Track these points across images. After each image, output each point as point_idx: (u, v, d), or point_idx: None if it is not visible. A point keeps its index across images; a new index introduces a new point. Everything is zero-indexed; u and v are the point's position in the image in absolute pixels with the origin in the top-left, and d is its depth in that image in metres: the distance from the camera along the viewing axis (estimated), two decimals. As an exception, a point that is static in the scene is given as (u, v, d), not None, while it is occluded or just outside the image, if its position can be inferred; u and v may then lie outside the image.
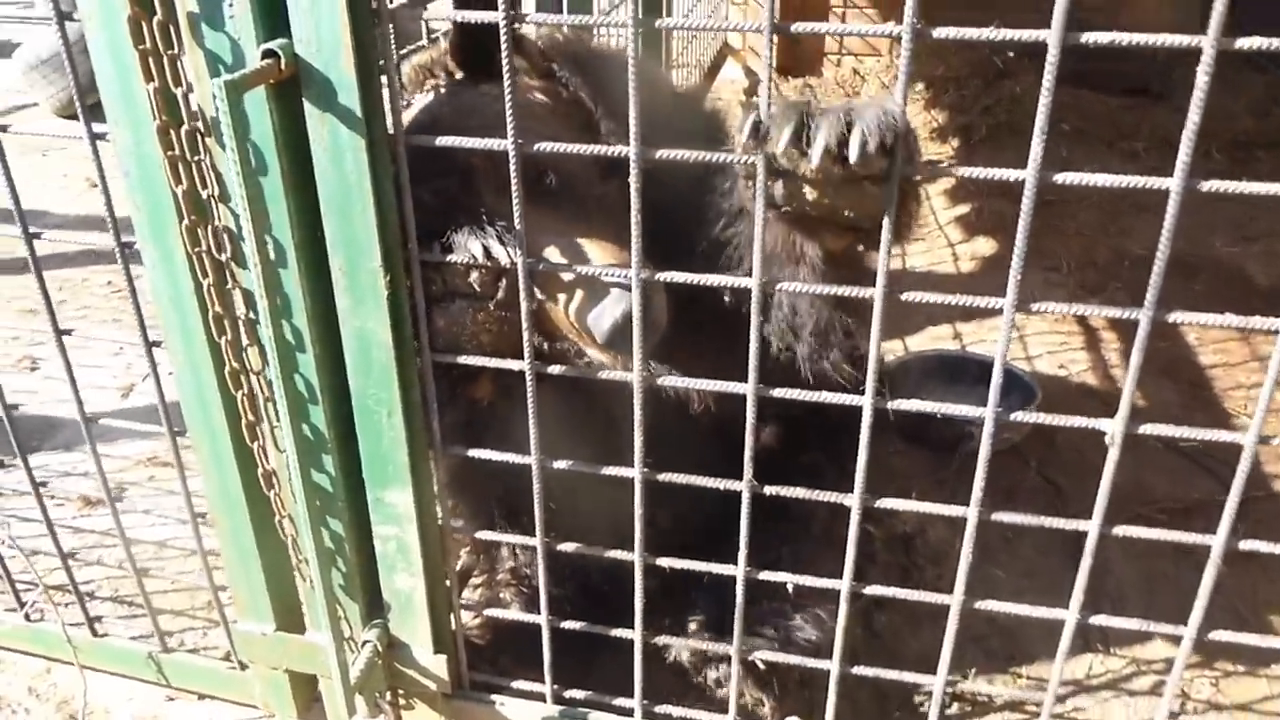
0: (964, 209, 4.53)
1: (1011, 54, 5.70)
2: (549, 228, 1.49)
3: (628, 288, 1.42)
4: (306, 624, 1.73)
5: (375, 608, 1.69)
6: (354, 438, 1.52)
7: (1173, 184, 1.10)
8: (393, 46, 1.25)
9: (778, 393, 1.38)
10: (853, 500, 1.44)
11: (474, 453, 1.55)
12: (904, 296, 1.30)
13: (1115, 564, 2.48)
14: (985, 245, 4.19)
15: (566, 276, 1.47)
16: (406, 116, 1.75)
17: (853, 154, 1.13)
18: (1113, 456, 1.36)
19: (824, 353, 1.59)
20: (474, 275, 1.44)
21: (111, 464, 2.85)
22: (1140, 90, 5.59)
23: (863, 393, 1.47)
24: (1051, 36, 1.10)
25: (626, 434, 1.53)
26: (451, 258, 1.40)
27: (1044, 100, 1.10)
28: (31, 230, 1.54)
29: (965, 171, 1.20)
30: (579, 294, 1.47)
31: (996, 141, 5.22)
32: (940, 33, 1.14)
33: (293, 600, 1.74)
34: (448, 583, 1.68)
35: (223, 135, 1.16)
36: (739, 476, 1.45)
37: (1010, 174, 1.20)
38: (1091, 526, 1.39)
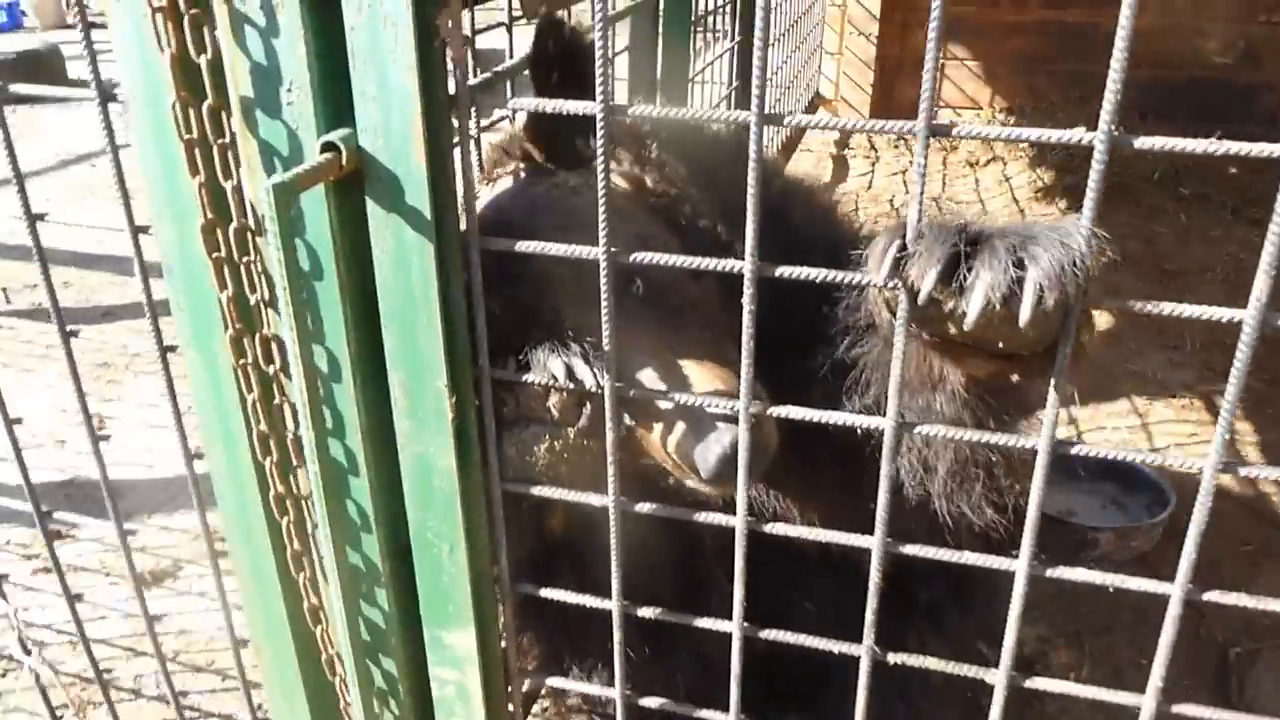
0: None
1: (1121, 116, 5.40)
2: (639, 344, 1.29)
3: (734, 419, 1.21)
4: (354, 767, 1.54)
5: (429, 755, 1.49)
6: (410, 570, 1.33)
7: None
8: (471, 137, 1.07)
9: (910, 550, 1.15)
10: (997, 677, 1.20)
11: (547, 593, 1.35)
12: (1073, 451, 1.07)
13: (1272, 699, 2.16)
14: (1102, 319, 3.88)
15: (664, 404, 1.26)
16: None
17: (1023, 315, 0.91)
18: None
19: (961, 492, 1.36)
20: (553, 398, 1.24)
21: (170, 538, 2.73)
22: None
23: (1008, 544, 1.23)
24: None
25: (718, 556, 1.32)
26: (529, 378, 1.21)
27: (1274, 231, 0.86)
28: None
29: (1168, 309, 0.96)
30: (679, 423, 1.26)
31: (1109, 203, 4.86)
32: (1143, 143, 0.91)
33: (341, 739, 1.55)
34: (512, 730, 1.47)
35: (265, 243, 0.98)
36: (850, 609, 1.22)
37: (1224, 313, 0.96)
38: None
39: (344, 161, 1.04)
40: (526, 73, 1.40)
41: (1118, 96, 0.85)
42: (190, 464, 1.41)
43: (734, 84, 3.64)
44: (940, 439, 1.34)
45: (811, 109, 6.33)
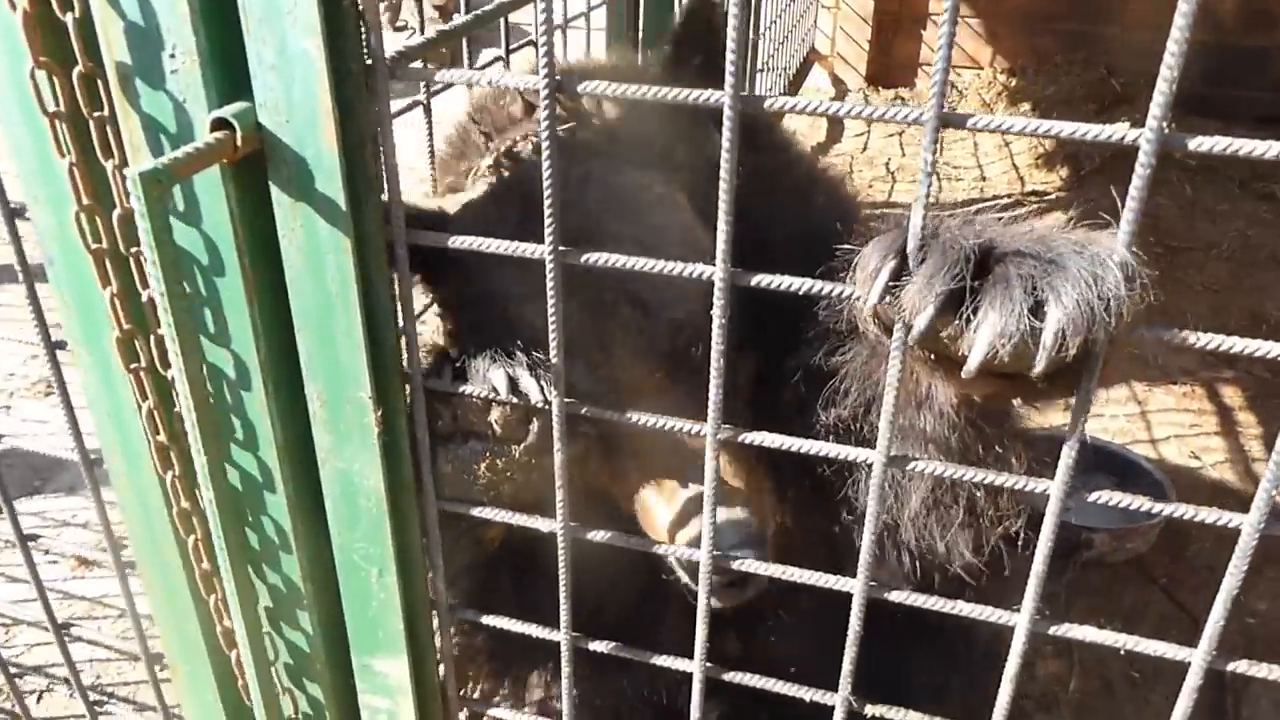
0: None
1: (1124, 78, 5.19)
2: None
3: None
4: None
5: (363, 786, 1.36)
6: (338, 592, 1.19)
7: None
8: (390, 115, 0.90)
9: (895, 597, 1.01)
10: (986, 736, 1.07)
11: (490, 620, 1.21)
12: (1091, 499, 0.93)
13: (1268, 718, 2.05)
14: None
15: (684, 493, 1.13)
16: (461, 198, 1.41)
17: (1038, 367, 0.77)
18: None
19: (936, 526, 1.21)
20: (495, 413, 1.09)
21: (116, 513, 2.58)
22: (1272, 120, 5.04)
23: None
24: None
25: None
26: (466, 389, 1.06)
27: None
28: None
29: (1214, 343, 0.81)
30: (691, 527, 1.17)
31: (1109, 173, 4.71)
32: (1196, 144, 0.75)
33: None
34: (453, 762, 1.34)
35: (138, 237, 0.82)
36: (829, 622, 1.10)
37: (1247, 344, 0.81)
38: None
39: (239, 142, 0.87)
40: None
41: (1172, 91, 0.70)
42: (89, 469, 1.25)
43: None
44: (907, 482, 1.20)
45: (806, 65, 6.10)
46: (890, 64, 6.30)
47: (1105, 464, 2.66)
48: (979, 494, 1.19)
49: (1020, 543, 1.29)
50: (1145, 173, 0.75)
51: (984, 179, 4.95)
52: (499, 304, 1.29)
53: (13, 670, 1.64)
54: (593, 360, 1.21)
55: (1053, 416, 3.12)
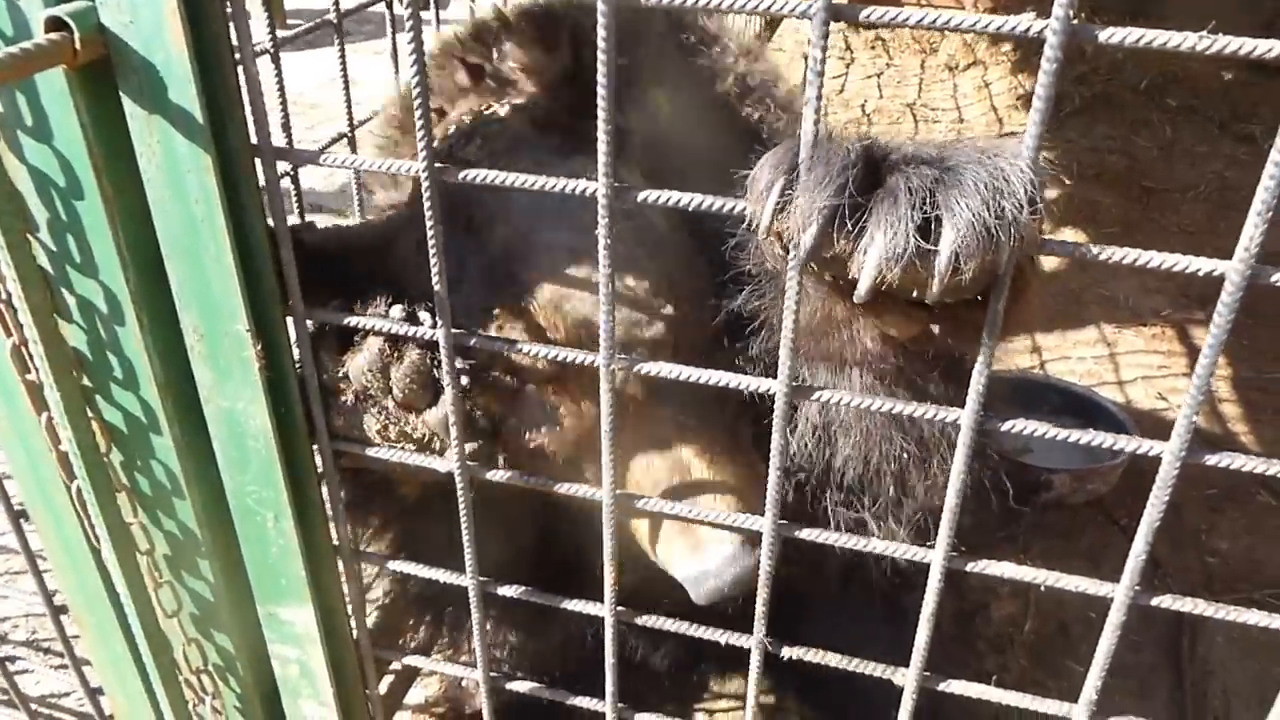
0: (1051, 194, 3.97)
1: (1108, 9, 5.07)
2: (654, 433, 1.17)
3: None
4: (190, 753, 1.37)
5: (281, 736, 1.32)
6: (237, 539, 1.14)
7: None
8: (245, 14, 0.83)
9: (805, 534, 0.96)
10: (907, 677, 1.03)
11: (396, 566, 1.16)
12: (1005, 427, 0.87)
13: (1223, 664, 2.03)
14: (1073, 238, 3.66)
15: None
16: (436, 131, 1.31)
17: (933, 291, 0.71)
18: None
19: (866, 495, 1.16)
20: (396, 373, 1.02)
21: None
22: (1264, 63, 4.94)
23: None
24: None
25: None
26: (354, 320, 0.99)
27: (1270, 175, 0.66)
28: None
29: (1119, 255, 0.75)
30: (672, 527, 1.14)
31: (1090, 114, 4.62)
32: (1107, 35, 0.68)
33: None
34: (369, 710, 1.30)
35: (-34, 154, 0.75)
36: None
37: (1205, 263, 0.75)
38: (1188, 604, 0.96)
39: (78, 45, 0.80)
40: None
41: None
42: (-29, 413, 1.19)
43: None
44: (842, 421, 1.14)
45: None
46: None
47: (1069, 406, 2.62)
48: (909, 457, 1.12)
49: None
50: (1051, 68, 0.68)
51: (962, 120, 4.86)
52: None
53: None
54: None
55: (1018, 359, 3.05)
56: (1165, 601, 0.94)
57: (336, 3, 1.41)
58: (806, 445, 1.10)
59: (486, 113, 1.28)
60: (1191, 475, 2.52)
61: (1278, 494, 2.43)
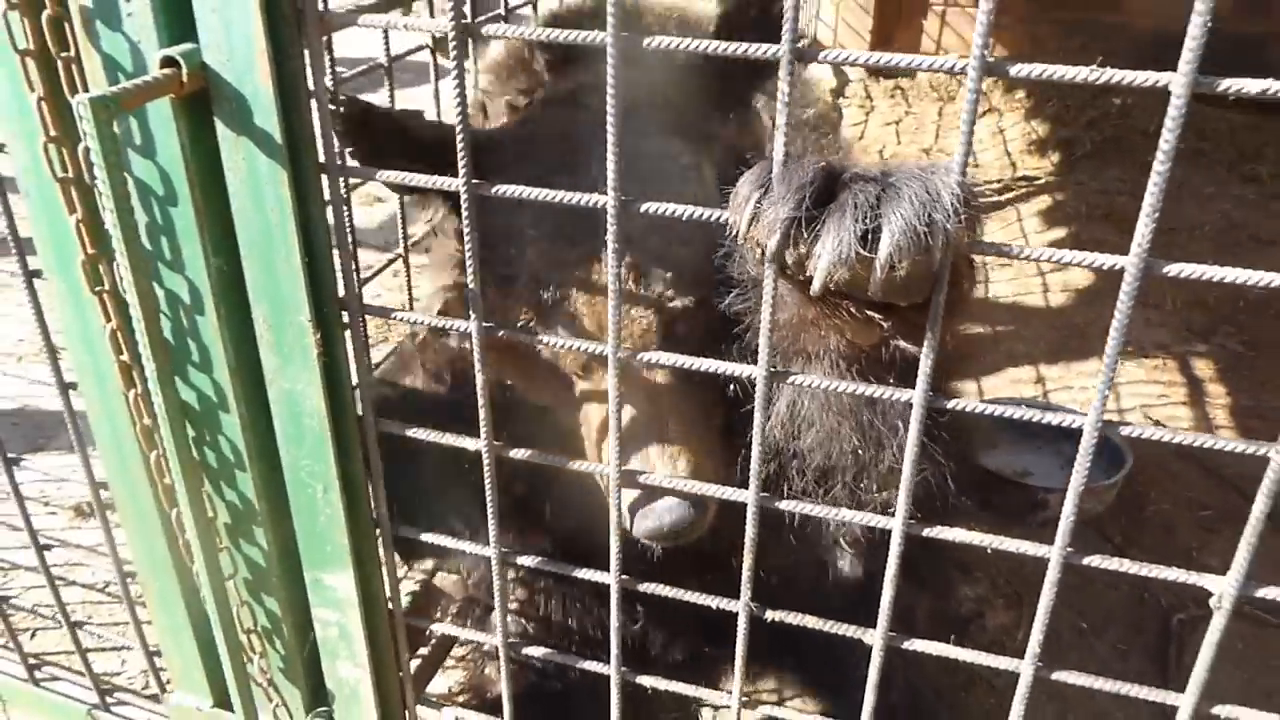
0: (1059, 233, 4.13)
1: (1120, 65, 5.24)
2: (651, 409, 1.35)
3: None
4: (236, 708, 1.52)
5: (320, 696, 1.47)
6: (289, 510, 1.29)
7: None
8: (326, 59, 1.00)
9: (784, 505, 1.11)
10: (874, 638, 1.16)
11: (424, 536, 1.31)
12: (950, 405, 1.01)
13: (1212, 673, 2.12)
14: (1080, 276, 3.79)
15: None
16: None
17: (872, 286, 0.86)
18: (1218, 625, 1.05)
19: (821, 490, 1.30)
20: None
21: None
22: (1268, 106, 5.07)
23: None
24: (1177, 81, 0.80)
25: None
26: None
27: (1157, 172, 0.80)
28: None
29: (1044, 254, 0.90)
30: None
31: (1102, 158, 4.77)
32: (1020, 70, 0.84)
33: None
34: (400, 674, 1.44)
35: (93, 164, 0.92)
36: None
37: (1107, 259, 0.90)
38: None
39: (184, 78, 0.98)
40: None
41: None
42: (66, 396, 1.36)
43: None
44: (806, 416, 1.26)
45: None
46: (886, 29, 6.35)
47: (1070, 432, 2.73)
48: (864, 456, 1.26)
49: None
50: (973, 98, 0.84)
51: (977, 165, 5.01)
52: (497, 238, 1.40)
53: (8, 610, 1.74)
54: (575, 294, 1.34)
55: (1023, 389, 3.16)
56: (1095, 561, 1.07)
57: (387, 49, 1.59)
58: (776, 436, 1.25)
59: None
60: (1187, 496, 2.63)
61: (1271, 515, 2.53)
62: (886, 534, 1.09)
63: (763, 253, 0.95)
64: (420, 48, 1.72)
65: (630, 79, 1.37)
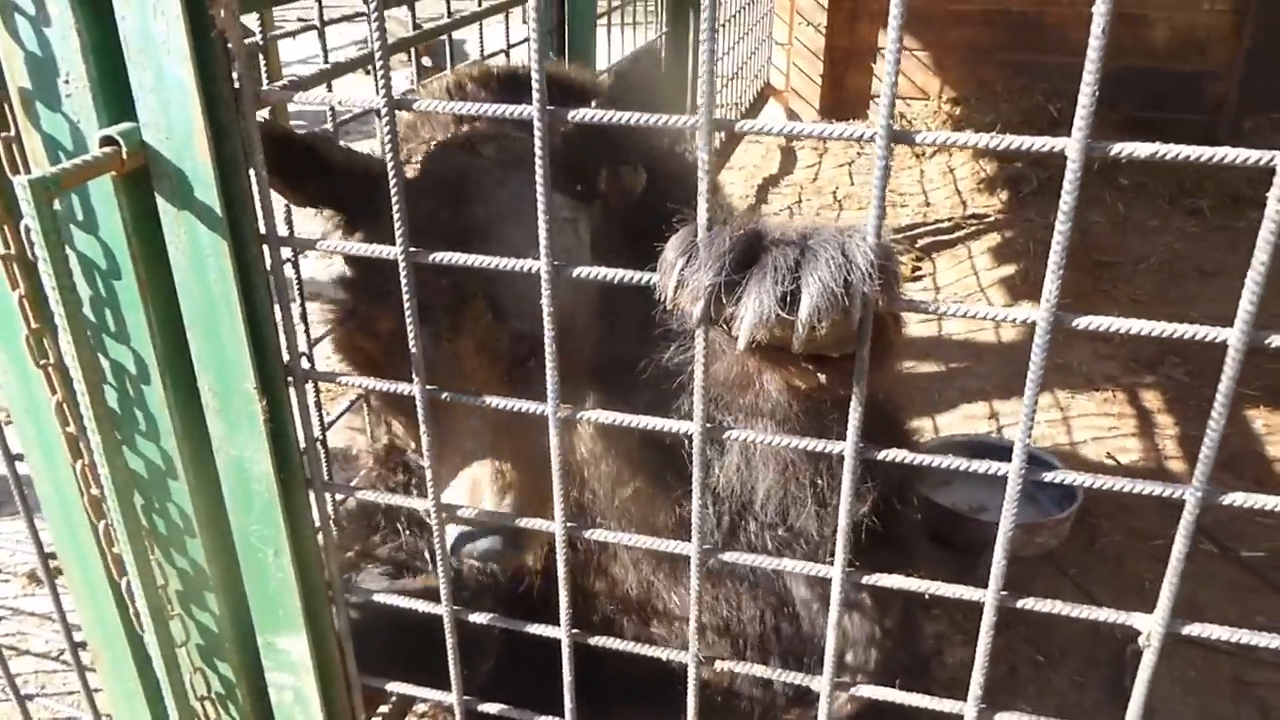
0: (1009, 270, 4.23)
1: (1061, 103, 5.39)
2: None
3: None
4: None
5: (276, 761, 1.46)
6: (240, 574, 1.30)
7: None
8: (256, 135, 1.03)
9: (727, 557, 1.13)
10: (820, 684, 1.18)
11: (381, 598, 1.31)
12: (880, 457, 1.04)
13: (1165, 701, 2.16)
14: (1029, 310, 3.86)
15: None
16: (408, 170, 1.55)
17: (796, 344, 0.89)
18: (1149, 662, 1.08)
19: (787, 526, 1.33)
20: None
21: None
22: (1206, 142, 5.23)
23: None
24: (1071, 146, 0.84)
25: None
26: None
27: (1060, 231, 0.85)
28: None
29: (964, 310, 0.94)
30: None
31: (1049, 195, 4.89)
32: (927, 138, 0.89)
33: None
34: (357, 736, 1.44)
35: (34, 242, 0.94)
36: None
37: (1020, 314, 0.94)
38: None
39: (125, 157, 1.00)
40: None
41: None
42: (12, 466, 1.36)
43: (662, 30, 3.59)
44: (762, 455, 1.30)
45: (761, 99, 6.30)
46: (843, 96, 6.50)
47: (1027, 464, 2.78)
48: (826, 490, 1.29)
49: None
50: (882, 164, 0.88)
51: (929, 204, 5.13)
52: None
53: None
54: (440, 333, 1.36)
55: (977, 425, 3.22)
56: (1029, 603, 1.10)
57: (333, 112, 1.63)
58: (732, 479, 1.28)
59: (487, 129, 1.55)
60: (1138, 528, 2.68)
61: (1219, 542, 2.59)
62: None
63: (690, 318, 0.99)
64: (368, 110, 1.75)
65: (520, 135, 1.43)
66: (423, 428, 1.13)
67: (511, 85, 1.67)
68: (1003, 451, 2.89)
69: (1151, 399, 3.29)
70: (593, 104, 1.58)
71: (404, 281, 1.04)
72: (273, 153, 1.29)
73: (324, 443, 1.33)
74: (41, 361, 1.14)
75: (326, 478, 1.25)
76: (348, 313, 1.50)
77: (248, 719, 1.41)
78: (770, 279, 0.89)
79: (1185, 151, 0.81)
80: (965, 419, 3.21)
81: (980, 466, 1.03)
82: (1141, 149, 0.84)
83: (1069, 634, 2.31)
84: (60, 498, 1.30)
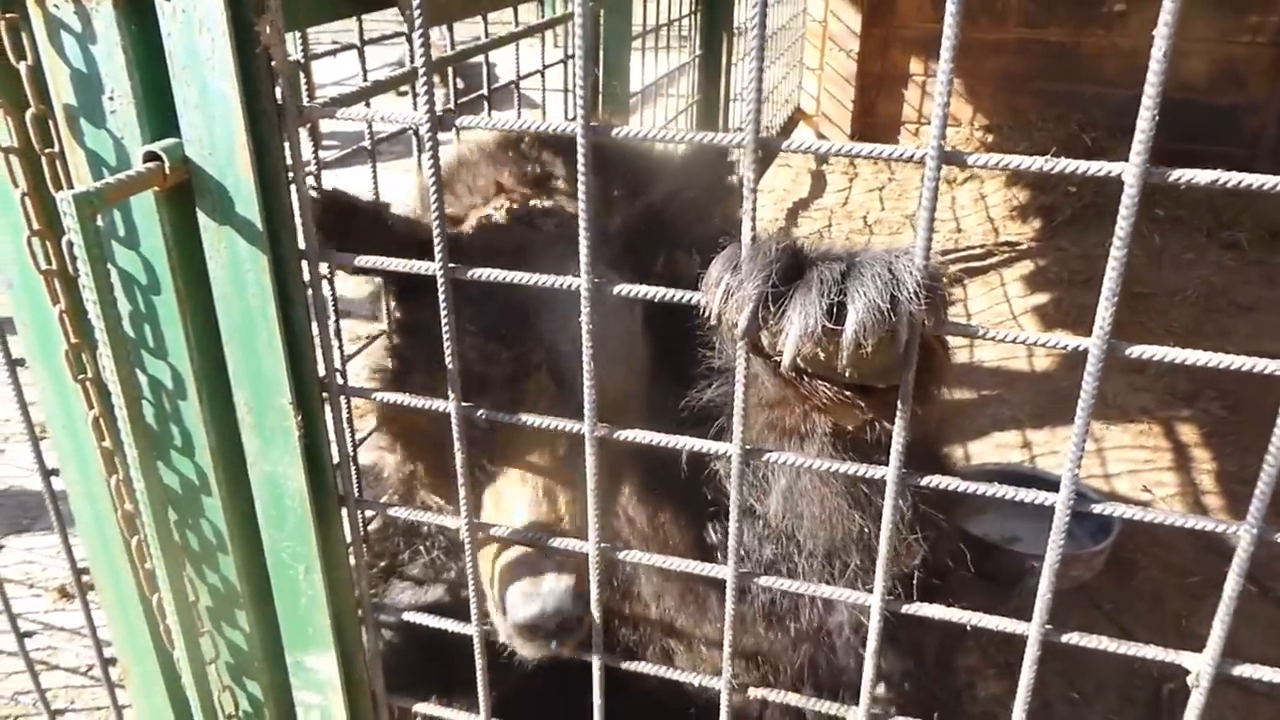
0: (1043, 298, 4.18)
1: (1096, 133, 5.36)
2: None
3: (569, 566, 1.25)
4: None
5: (301, 782, 1.44)
6: (271, 592, 1.29)
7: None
8: (302, 151, 1.03)
9: (763, 581, 1.11)
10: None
11: (411, 617, 1.30)
12: (924, 482, 1.02)
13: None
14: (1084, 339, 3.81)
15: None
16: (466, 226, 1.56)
17: (843, 357, 0.87)
18: (1197, 703, 1.04)
19: (831, 569, 1.30)
20: None
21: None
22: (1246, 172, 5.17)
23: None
24: (1129, 171, 0.83)
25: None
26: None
27: (1115, 258, 0.83)
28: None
29: (1011, 336, 0.92)
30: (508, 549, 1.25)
31: (1082, 224, 4.85)
32: (979, 160, 0.87)
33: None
34: (384, 759, 1.42)
35: (76, 257, 0.94)
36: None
37: (1072, 341, 0.92)
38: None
39: (167, 172, 1.00)
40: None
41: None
42: (48, 481, 1.37)
43: (695, 97, 3.61)
44: (811, 514, 1.27)
45: (792, 123, 6.31)
46: (874, 122, 6.50)
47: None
48: (871, 535, 1.26)
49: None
50: (931, 184, 0.86)
51: (960, 230, 5.10)
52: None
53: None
54: (500, 404, 1.32)
55: (1010, 454, 3.17)
56: (1073, 638, 1.07)
57: (370, 129, 1.64)
58: (774, 525, 1.25)
59: (547, 203, 1.54)
60: (1175, 564, 2.62)
61: (1259, 582, 2.53)
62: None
63: (735, 330, 0.97)
64: (404, 130, 1.77)
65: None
66: (456, 445, 1.12)
67: (560, 146, 1.66)
68: (1036, 481, 2.85)
69: (1188, 433, 3.23)
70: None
71: (442, 297, 1.03)
72: (337, 221, 1.29)
73: (355, 460, 1.32)
74: (80, 376, 1.14)
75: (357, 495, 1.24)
76: (395, 381, 1.48)
77: (275, 739, 1.40)
78: (816, 290, 0.88)
79: (1247, 180, 0.79)
80: (997, 447, 3.17)
81: (1031, 496, 1.01)
82: (1201, 175, 0.82)
83: (1104, 671, 2.26)
84: (95, 512, 1.30)
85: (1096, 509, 0.99)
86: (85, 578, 1.43)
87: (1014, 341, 0.92)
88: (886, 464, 1.21)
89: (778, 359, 1.03)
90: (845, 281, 0.89)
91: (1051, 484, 2.87)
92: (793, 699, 1.18)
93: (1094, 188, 5.00)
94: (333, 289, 1.83)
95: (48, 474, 1.36)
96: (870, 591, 1.08)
